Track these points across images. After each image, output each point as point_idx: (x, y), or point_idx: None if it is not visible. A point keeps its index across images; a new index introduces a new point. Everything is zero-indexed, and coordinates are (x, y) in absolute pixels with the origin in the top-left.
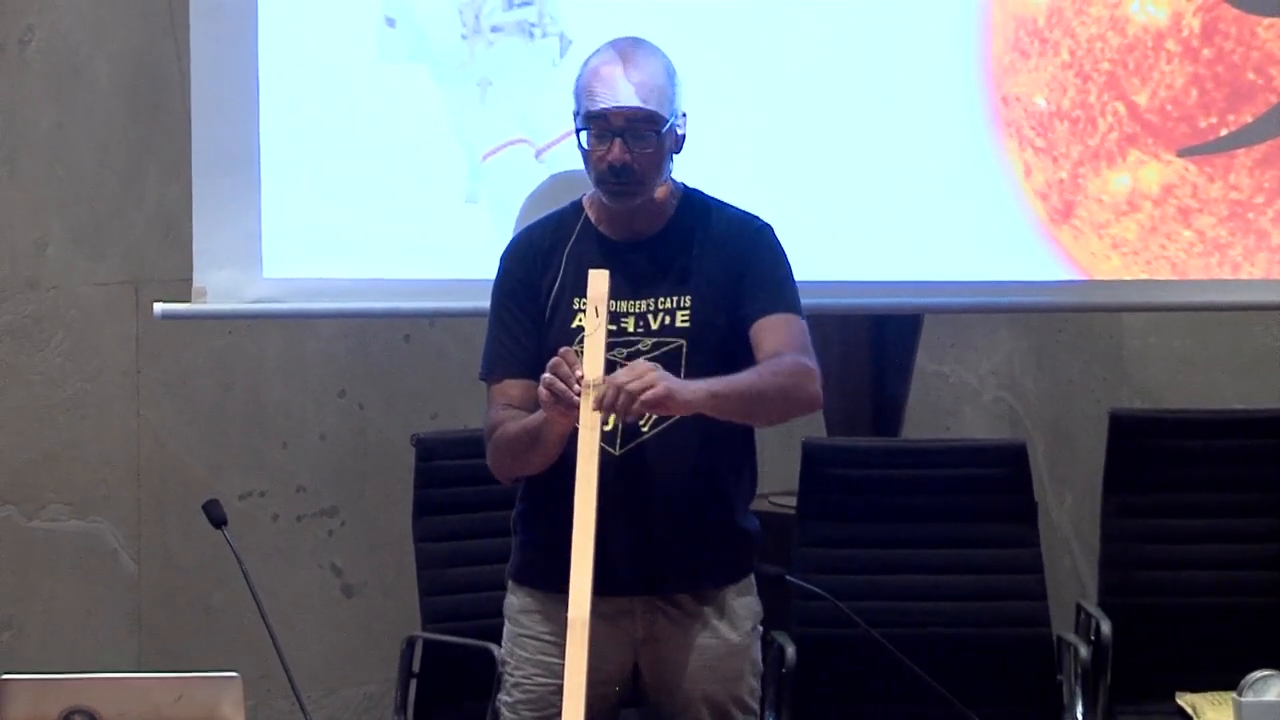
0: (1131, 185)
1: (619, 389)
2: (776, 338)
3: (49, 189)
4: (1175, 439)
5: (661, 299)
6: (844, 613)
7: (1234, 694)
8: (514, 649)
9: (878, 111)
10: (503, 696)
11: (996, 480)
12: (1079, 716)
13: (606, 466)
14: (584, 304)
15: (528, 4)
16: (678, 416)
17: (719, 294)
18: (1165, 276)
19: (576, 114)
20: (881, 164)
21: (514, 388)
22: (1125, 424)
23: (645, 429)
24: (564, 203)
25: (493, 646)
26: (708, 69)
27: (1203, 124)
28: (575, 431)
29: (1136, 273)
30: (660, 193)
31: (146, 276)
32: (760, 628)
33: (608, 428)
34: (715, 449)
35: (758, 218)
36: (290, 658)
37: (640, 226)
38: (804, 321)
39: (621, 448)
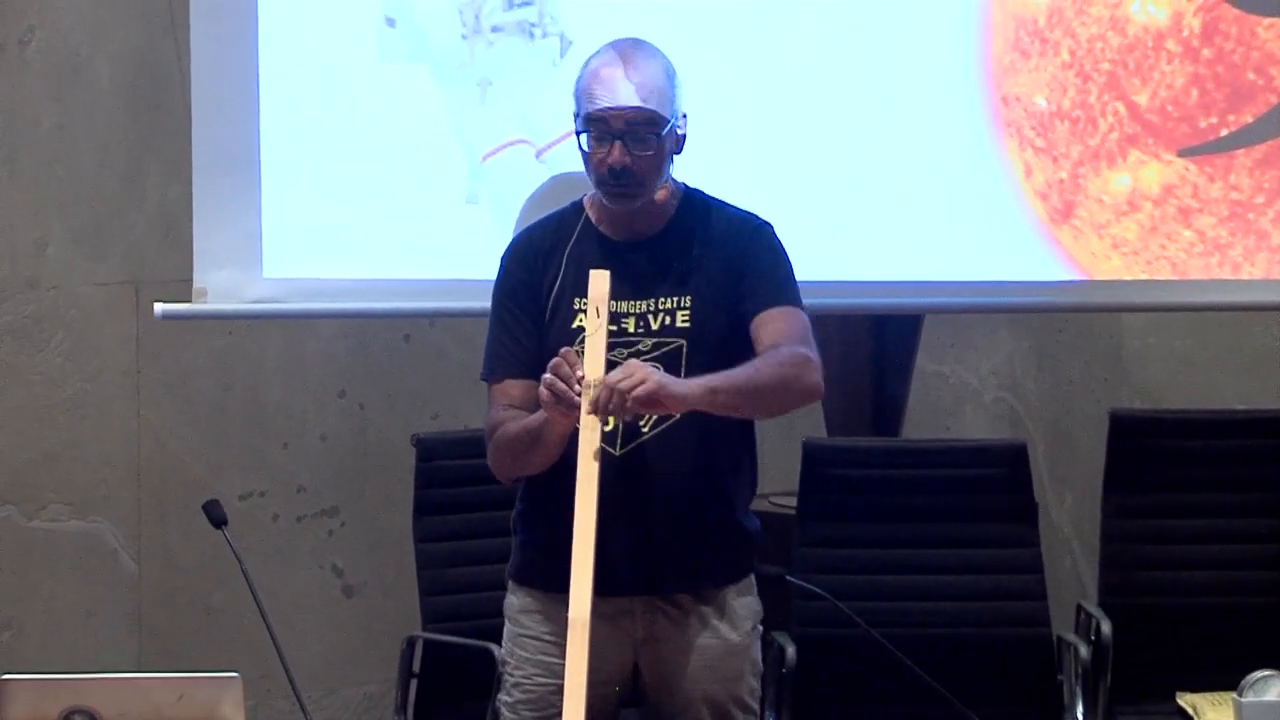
0: (1132, 185)
1: (611, 388)
2: (776, 330)
3: (49, 189)
4: (1175, 439)
5: (662, 299)
6: (844, 613)
7: (1234, 694)
8: (514, 649)
9: (878, 111)
10: (503, 696)
11: (997, 480)
12: (1079, 716)
13: (607, 467)
14: (584, 304)
15: (528, 4)
16: (678, 416)
17: (719, 294)
18: (1165, 277)
19: (576, 116)
20: (882, 164)
21: (515, 388)
22: (1125, 424)
23: (645, 429)
24: (564, 203)
25: (493, 646)
26: (708, 69)
27: (1203, 124)
28: (576, 432)
29: (1137, 273)
30: (661, 193)
31: (147, 276)
32: (760, 628)
33: (608, 428)
34: (715, 449)
35: (757, 216)
36: (290, 658)
37: (641, 227)
38: (805, 315)
39: (622, 448)
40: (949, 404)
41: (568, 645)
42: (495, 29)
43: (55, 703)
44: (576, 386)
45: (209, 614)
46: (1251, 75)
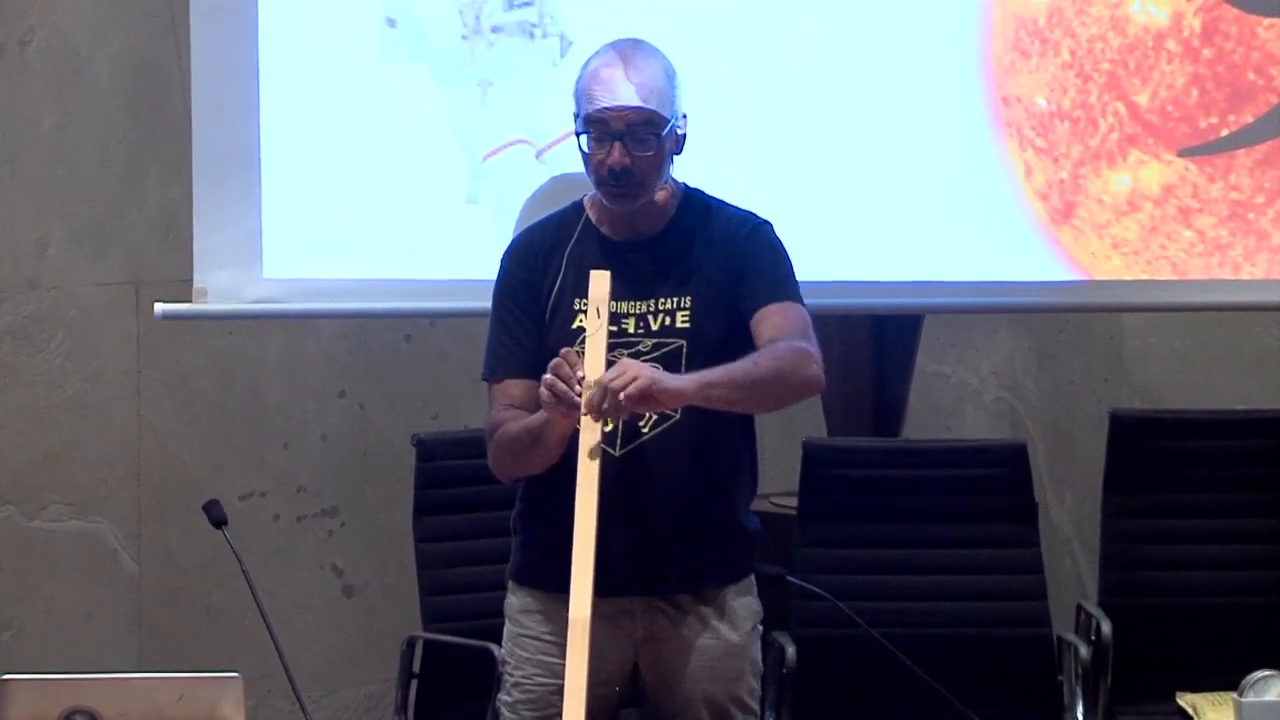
0: (1132, 185)
1: (604, 388)
2: (775, 325)
3: (50, 189)
4: (1175, 439)
5: (662, 300)
6: (844, 613)
7: (1234, 694)
8: (514, 649)
9: (878, 111)
10: (503, 696)
11: (997, 480)
12: (1079, 717)
13: (607, 467)
14: (585, 305)
15: (528, 4)
16: (677, 416)
17: (719, 294)
18: (1166, 277)
19: (576, 116)
20: (882, 164)
21: (515, 388)
22: (1125, 424)
23: (645, 430)
24: (564, 204)
25: (493, 647)
26: (708, 69)
27: (1203, 124)
28: (576, 432)
29: (1137, 273)
30: (661, 194)
31: (147, 277)
32: (760, 628)
33: (608, 428)
34: (715, 449)
35: (756, 216)
36: (291, 658)
37: (641, 227)
38: (805, 310)
39: (622, 448)
40: (949, 404)
41: (568, 645)
42: (495, 29)
43: (55, 703)
44: (577, 387)
45: (209, 614)
46: (1252, 75)
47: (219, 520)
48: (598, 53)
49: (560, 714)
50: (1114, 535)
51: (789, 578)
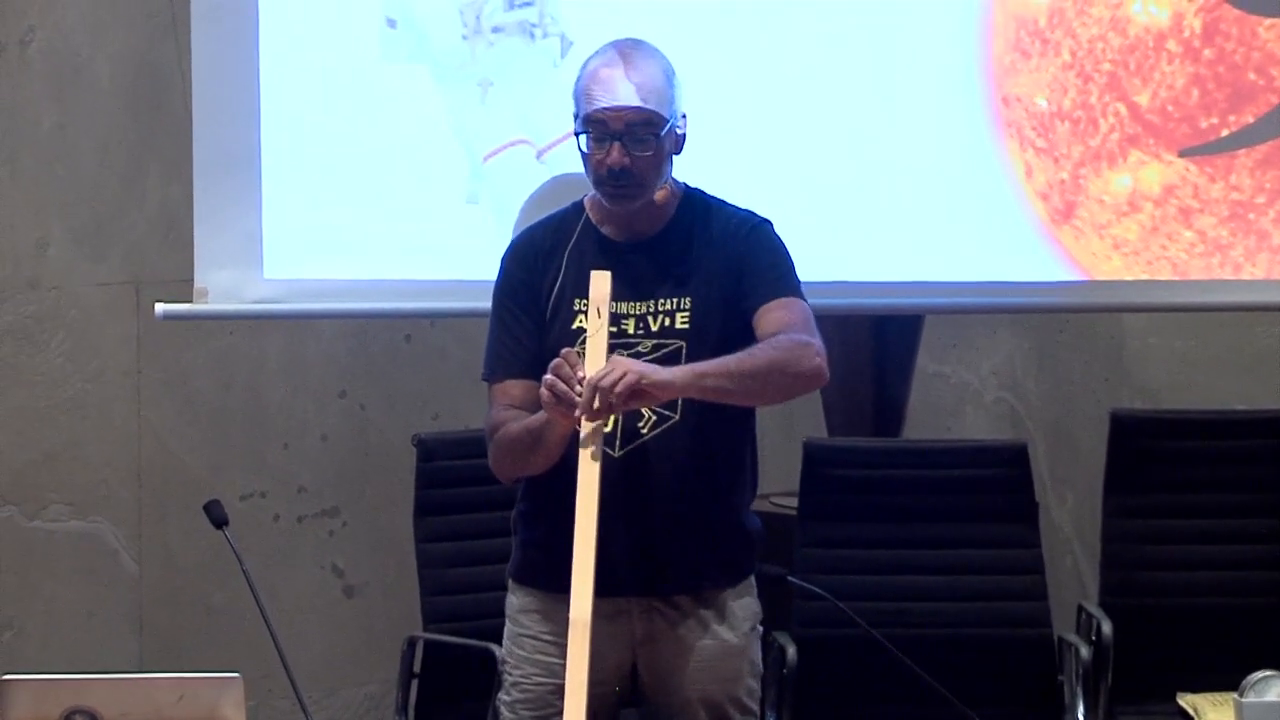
0: (1132, 186)
1: (594, 387)
2: (776, 319)
3: (50, 189)
4: (1176, 439)
5: (661, 300)
6: (845, 613)
7: (1235, 695)
8: (513, 648)
9: (878, 112)
10: (502, 696)
11: (997, 481)
12: (1080, 717)
13: (606, 468)
14: (585, 305)
15: (528, 4)
16: (677, 417)
17: (719, 295)
18: (1166, 277)
19: (576, 116)
20: (882, 164)
21: (515, 388)
22: (1126, 424)
23: (645, 430)
24: (564, 204)
25: (493, 647)
26: (708, 69)
27: (1204, 124)
28: (576, 432)
29: (1137, 273)
30: (660, 194)
31: (147, 277)
32: (760, 628)
33: (607, 429)
34: (715, 450)
35: (756, 215)
36: (291, 658)
37: (641, 227)
38: (807, 305)
39: (621, 449)
40: (950, 404)
41: (569, 646)
42: (496, 29)
43: (56, 703)
44: (577, 387)
45: (210, 614)
46: (1252, 75)
47: (220, 520)
48: (597, 53)
49: (559, 713)
50: (1114, 535)
51: (789, 578)
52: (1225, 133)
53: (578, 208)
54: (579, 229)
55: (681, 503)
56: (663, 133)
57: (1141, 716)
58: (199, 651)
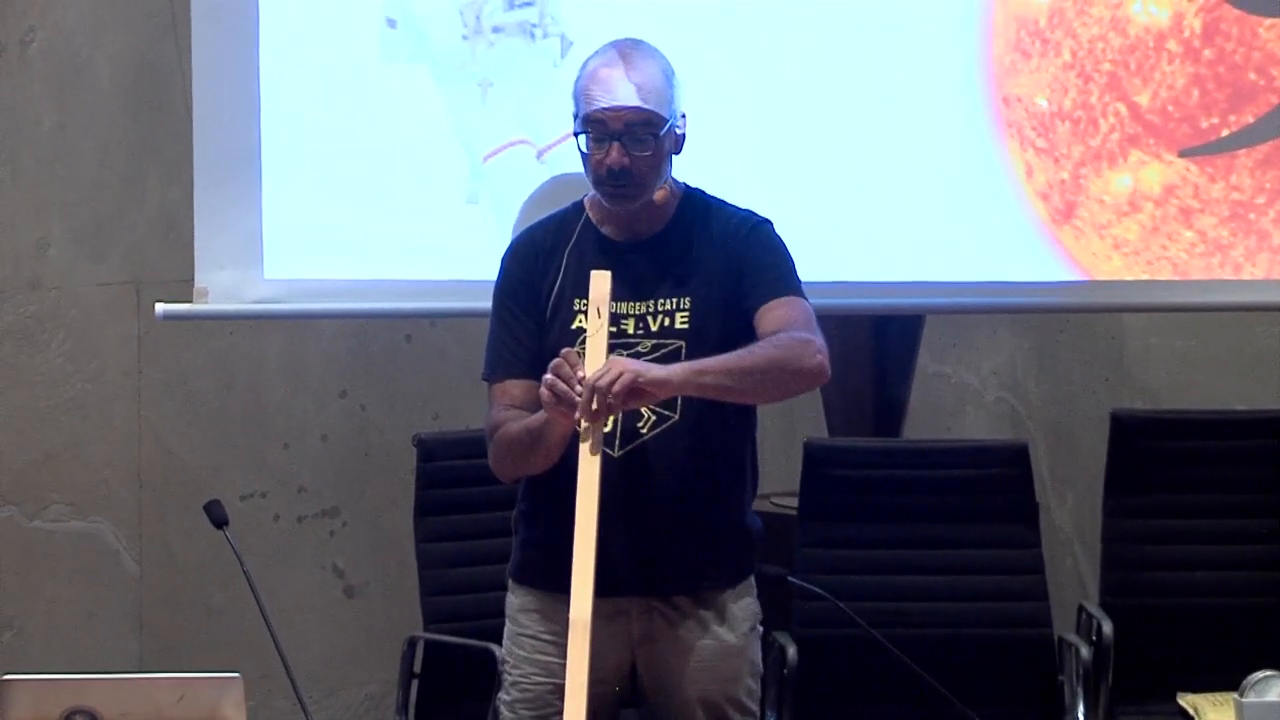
0: (1133, 186)
1: (592, 388)
2: (777, 318)
3: (50, 189)
4: (1176, 440)
5: (661, 300)
6: (845, 613)
7: (1235, 695)
8: (513, 648)
9: (879, 112)
10: (502, 695)
11: (998, 481)
12: (1080, 717)
13: (606, 468)
14: (585, 305)
15: (529, 4)
16: (676, 417)
17: (719, 295)
18: (1167, 277)
19: (575, 116)
20: (883, 164)
21: (515, 388)
22: (1126, 424)
23: (644, 430)
24: (563, 204)
25: (494, 647)
26: (708, 69)
27: (1204, 124)
28: (576, 432)
29: (1138, 273)
30: (660, 194)
31: (148, 277)
32: (760, 629)
33: (606, 429)
34: (715, 450)
35: (756, 214)
36: (291, 658)
37: (640, 228)
38: (808, 304)
39: (620, 449)
40: (950, 404)
41: (569, 646)
42: (496, 30)
43: (56, 703)
44: (577, 387)
45: (210, 614)
46: (1253, 75)
47: (220, 520)
48: (596, 53)
49: (559, 713)
50: (1115, 536)
51: (789, 578)
52: (1225, 133)
53: (578, 208)
54: (579, 229)
55: (681, 503)
56: (662, 133)
57: (1142, 716)
58: (199, 651)
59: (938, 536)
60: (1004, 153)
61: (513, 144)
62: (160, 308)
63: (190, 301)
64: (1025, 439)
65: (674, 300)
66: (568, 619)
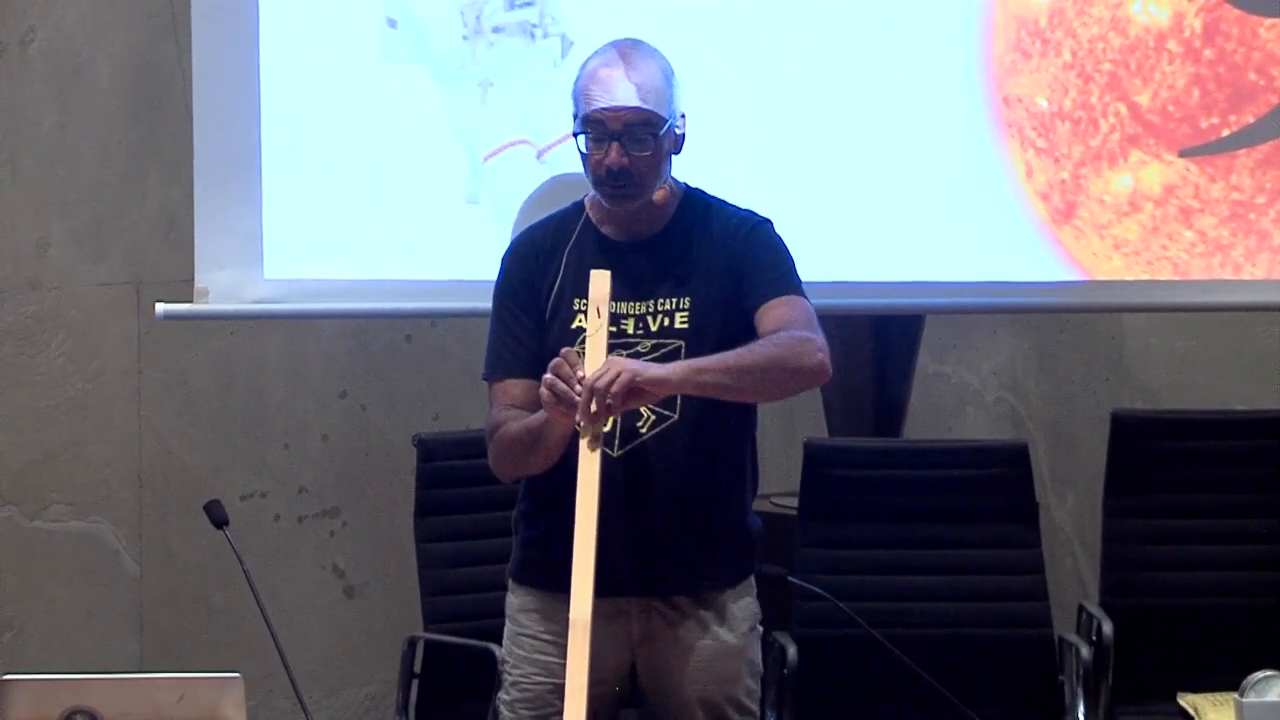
0: (1133, 186)
1: (590, 389)
2: (777, 316)
3: (50, 189)
4: (1177, 440)
5: (661, 300)
6: (845, 613)
7: (1235, 695)
8: (513, 648)
9: (879, 112)
10: (502, 695)
11: (998, 481)
12: (1080, 717)
13: (606, 468)
14: (584, 304)
15: (529, 5)
16: (675, 417)
17: (719, 295)
18: (1167, 277)
19: (575, 117)
20: (883, 164)
21: (515, 387)
22: (1127, 425)
23: (644, 430)
24: (563, 204)
25: (494, 647)
26: (708, 69)
27: (1204, 124)
28: (576, 432)
29: (1138, 273)
30: (660, 194)
31: (148, 277)
32: (760, 629)
33: (606, 428)
34: (715, 449)
35: (756, 214)
36: (292, 658)
37: (640, 228)
38: (808, 303)
39: (620, 449)
40: (950, 404)
41: (569, 646)
42: (496, 30)
43: (56, 703)
44: (577, 386)
45: (210, 614)
46: (1253, 75)
47: (220, 520)
48: (596, 53)
49: (559, 713)
50: (1115, 536)
51: (790, 578)
52: (1226, 133)
53: (578, 208)
54: (579, 229)
55: (681, 503)
56: (661, 133)
57: (1142, 716)
58: (199, 651)
59: (938, 536)
60: (1004, 153)
61: (513, 144)
62: (160, 308)
63: (190, 301)
64: (1025, 439)
65: (674, 300)
66: (568, 619)
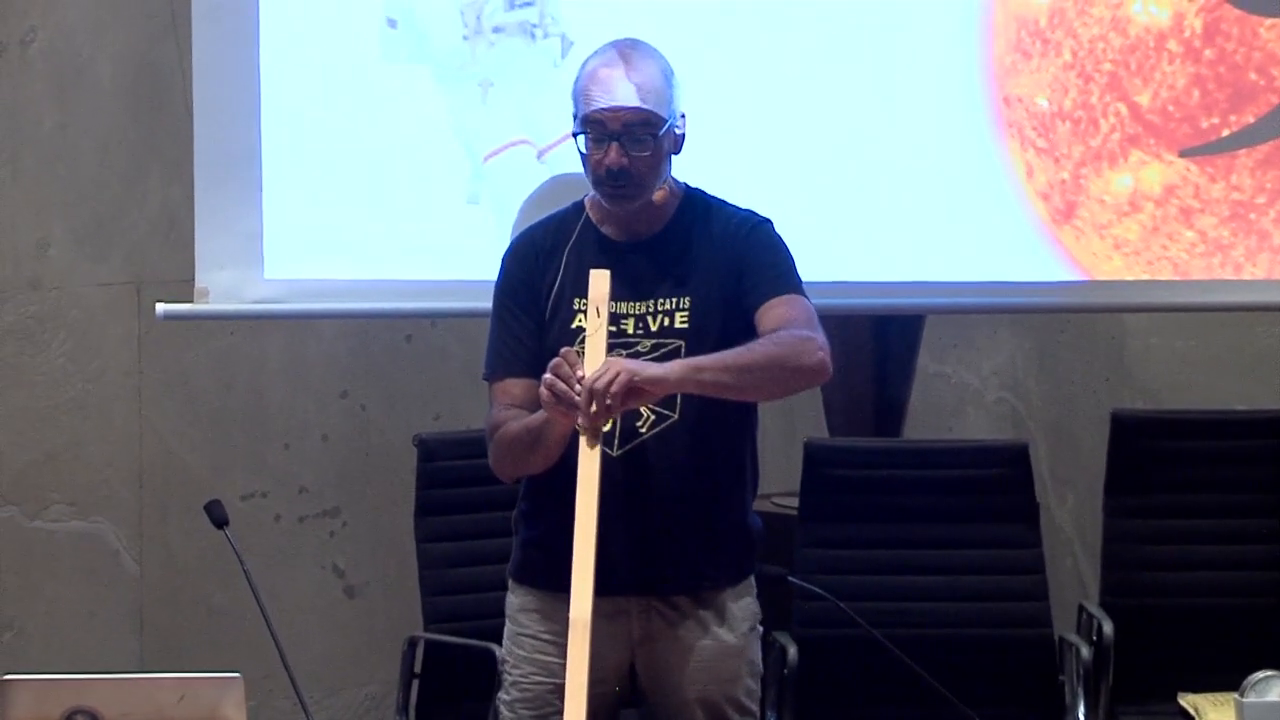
0: (1133, 186)
1: (589, 390)
2: (778, 316)
3: (51, 189)
4: (1177, 440)
5: (661, 300)
6: (846, 613)
7: (1236, 695)
8: (513, 648)
9: (879, 112)
10: (502, 695)
11: (998, 481)
12: (1081, 717)
13: (605, 467)
14: (584, 304)
15: (529, 5)
16: (675, 417)
17: (719, 294)
18: (1167, 277)
19: (575, 117)
20: (883, 164)
21: (515, 387)
22: (1127, 424)
23: (643, 430)
24: (563, 204)
25: (494, 647)
26: (708, 69)
27: (1204, 124)
28: (576, 431)
29: (1138, 273)
30: (660, 194)
31: (148, 277)
32: (760, 629)
33: (606, 428)
34: (715, 449)
35: (756, 214)
36: (292, 658)
37: (640, 227)
38: (809, 302)
39: (620, 448)
40: (951, 404)
41: (569, 646)
42: (496, 30)
43: (57, 703)
44: (577, 386)
45: (210, 614)
46: (1253, 75)
47: (220, 520)
48: (596, 53)
49: (559, 713)
50: (1115, 535)
51: (790, 578)
52: (1226, 133)
53: (578, 208)
54: (579, 229)
55: (681, 502)
56: (661, 133)
57: (1142, 716)
58: (200, 651)
59: (938, 536)
60: (1004, 153)
61: (513, 144)
62: (161, 308)
63: (191, 301)
64: (1025, 439)
65: (674, 300)
66: (568, 619)
